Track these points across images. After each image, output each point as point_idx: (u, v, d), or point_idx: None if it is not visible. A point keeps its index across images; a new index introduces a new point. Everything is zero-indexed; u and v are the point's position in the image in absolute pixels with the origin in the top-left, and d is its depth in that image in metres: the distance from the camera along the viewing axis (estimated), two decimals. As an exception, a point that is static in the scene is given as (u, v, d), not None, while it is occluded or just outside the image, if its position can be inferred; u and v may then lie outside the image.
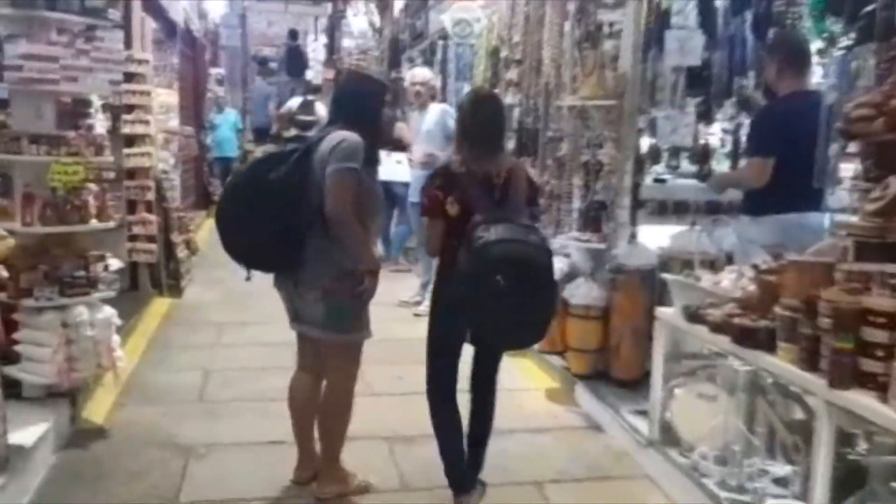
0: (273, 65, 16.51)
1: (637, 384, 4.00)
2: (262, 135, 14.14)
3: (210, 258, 8.34)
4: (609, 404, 3.96)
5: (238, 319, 5.84)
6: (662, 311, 3.33)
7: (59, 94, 3.50)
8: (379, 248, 8.52)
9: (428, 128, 5.92)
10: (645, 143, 4.49)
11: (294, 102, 13.01)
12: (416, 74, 6.11)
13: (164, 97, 7.94)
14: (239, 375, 4.54)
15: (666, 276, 3.58)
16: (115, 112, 5.93)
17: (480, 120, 2.86)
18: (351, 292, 2.84)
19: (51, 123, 3.52)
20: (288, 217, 2.80)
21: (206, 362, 4.75)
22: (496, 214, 2.70)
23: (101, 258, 3.76)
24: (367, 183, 2.89)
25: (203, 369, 4.61)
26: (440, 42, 6.52)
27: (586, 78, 4.39)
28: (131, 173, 6.07)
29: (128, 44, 6.01)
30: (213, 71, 13.32)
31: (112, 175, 5.98)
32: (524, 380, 4.64)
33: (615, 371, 4.20)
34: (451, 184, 2.80)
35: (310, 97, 13.04)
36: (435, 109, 5.97)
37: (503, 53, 5.87)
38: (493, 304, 2.58)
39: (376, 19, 11.45)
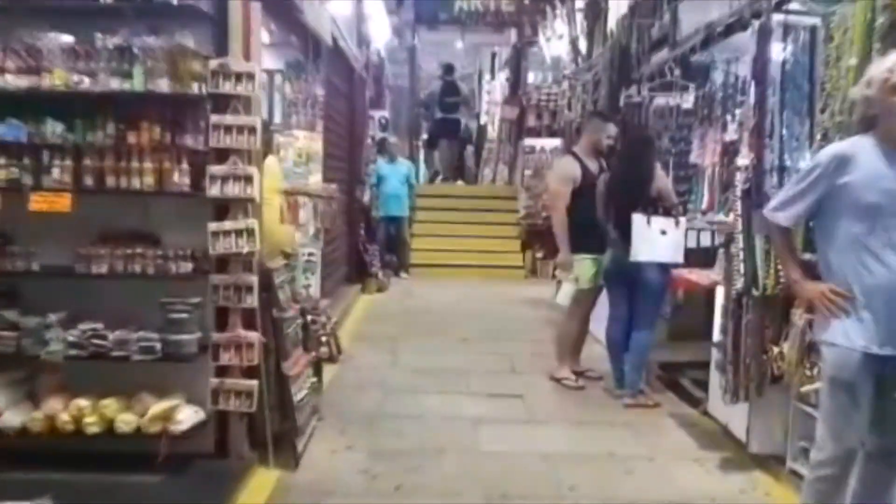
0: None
1: None
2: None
3: (358, 368, 5.73)
4: None
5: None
6: None
7: None
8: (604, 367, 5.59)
9: None
10: None
11: (436, 87, 13.15)
12: None
13: (303, 141, 5.68)
14: None
15: None
16: (197, 161, 3.53)
17: None
18: None
19: None
20: None
21: None
22: None
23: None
24: None
25: None
26: (748, 30, 3.58)
27: None
28: (222, 263, 3.60)
29: (221, 48, 3.61)
30: (376, 114, 11.13)
31: (189, 267, 3.59)
32: None
33: None
34: None
35: (448, 78, 13.19)
36: None
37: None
38: None
39: (582, 38, 8.70)
